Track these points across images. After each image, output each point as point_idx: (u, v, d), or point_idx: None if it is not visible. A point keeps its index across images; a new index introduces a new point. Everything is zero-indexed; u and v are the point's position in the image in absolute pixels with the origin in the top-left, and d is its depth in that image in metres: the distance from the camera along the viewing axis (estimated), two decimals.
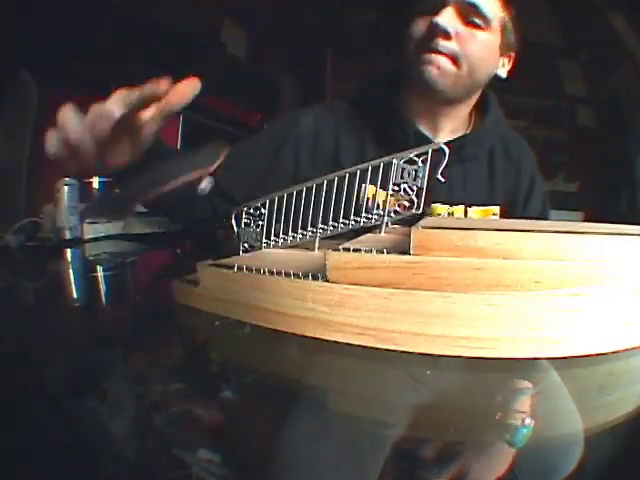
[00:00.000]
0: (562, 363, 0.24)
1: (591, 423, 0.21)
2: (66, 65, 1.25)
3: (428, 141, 0.62)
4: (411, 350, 0.25)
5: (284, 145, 0.64)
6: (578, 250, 0.25)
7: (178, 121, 1.59)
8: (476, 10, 0.54)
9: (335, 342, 0.27)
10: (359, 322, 0.27)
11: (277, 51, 2.26)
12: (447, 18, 0.54)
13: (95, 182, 1.27)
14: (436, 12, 0.54)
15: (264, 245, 0.40)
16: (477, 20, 0.55)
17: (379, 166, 0.35)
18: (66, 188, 0.91)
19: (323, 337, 0.28)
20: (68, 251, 0.83)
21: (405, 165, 0.34)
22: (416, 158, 0.34)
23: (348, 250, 0.29)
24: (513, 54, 0.63)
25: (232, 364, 0.31)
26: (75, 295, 0.53)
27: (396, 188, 0.34)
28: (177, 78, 0.35)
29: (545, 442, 0.19)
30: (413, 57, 0.58)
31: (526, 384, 0.24)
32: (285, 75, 2.38)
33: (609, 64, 2.20)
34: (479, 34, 0.56)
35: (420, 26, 0.57)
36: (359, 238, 0.35)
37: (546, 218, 0.70)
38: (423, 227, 0.29)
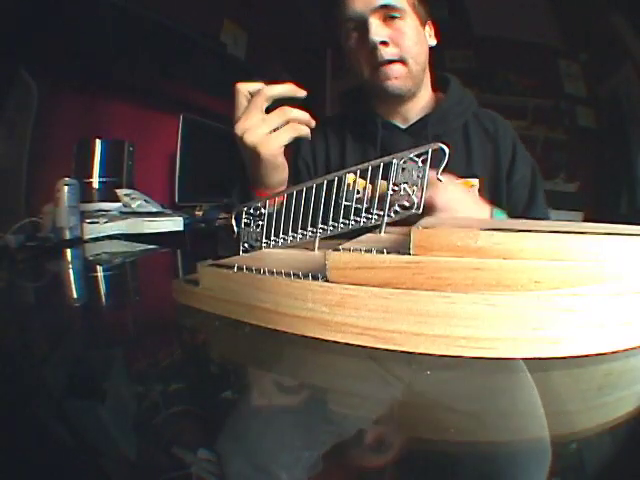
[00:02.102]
0: (562, 363, 0.24)
1: (590, 423, 0.21)
2: (66, 65, 1.25)
3: (395, 128, 0.72)
4: (411, 350, 0.25)
5: (296, 155, 0.80)
6: (578, 250, 0.25)
7: (178, 121, 1.58)
8: (389, 7, 0.63)
9: (335, 342, 0.27)
10: (359, 322, 0.27)
11: (277, 51, 2.26)
12: (375, 29, 0.62)
13: (95, 182, 1.27)
14: (363, 27, 0.63)
15: (264, 245, 0.40)
16: (394, 14, 0.64)
17: (379, 166, 0.35)
18: (66, 188, 0.91)
19: (323, 337, 0.28)
20: (68, 251, 0.83)
21: (405, 165, 0.34)
22: (416, 158, 0.34)
23: (348, 250, 0.29)
24: (430, 22, 0.72)
25: (232, 364, 0.31)
26: (75, 295, 0.53)
27: (396, 188, 0.34)
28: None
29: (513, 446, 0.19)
30: (370, 75, 0.66)
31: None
32: (285, 75, 2.38)
33: (609, 64, 2.20)
34: (401, 24, 0.64)
35: (358, 46, 0.65)
36: (359, 238, 0.35)
37: (535, 188, 0.73)
38: (423, 227, 0.29)
